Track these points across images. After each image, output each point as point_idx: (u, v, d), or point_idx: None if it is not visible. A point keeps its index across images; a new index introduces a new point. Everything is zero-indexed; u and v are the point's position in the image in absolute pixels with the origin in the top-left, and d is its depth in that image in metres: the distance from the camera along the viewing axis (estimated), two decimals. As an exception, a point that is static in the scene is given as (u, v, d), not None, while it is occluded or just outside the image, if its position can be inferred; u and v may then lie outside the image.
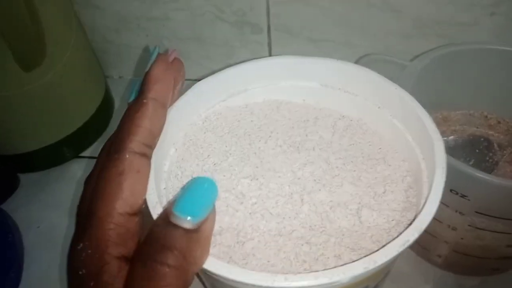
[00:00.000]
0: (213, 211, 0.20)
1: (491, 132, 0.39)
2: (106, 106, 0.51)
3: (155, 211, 0.23)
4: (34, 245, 0.42)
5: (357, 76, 0.30)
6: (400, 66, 0.33)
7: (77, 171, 0.48)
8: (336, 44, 0.48)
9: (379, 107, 0.30)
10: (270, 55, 0.50)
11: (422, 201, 0.25)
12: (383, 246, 0.23)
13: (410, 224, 0.24)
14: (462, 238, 0.31)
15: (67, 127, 0.47)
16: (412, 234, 0.21)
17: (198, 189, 0.20)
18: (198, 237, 0.19)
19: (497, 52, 0.34)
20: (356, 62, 0.46)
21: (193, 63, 0.53)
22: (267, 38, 0.49)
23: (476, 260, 0.33)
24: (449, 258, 0.34)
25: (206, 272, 0.21)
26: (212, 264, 0.20)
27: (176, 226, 0.18)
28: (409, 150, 0.28)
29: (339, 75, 0.30)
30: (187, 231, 0.19)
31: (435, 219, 0.23)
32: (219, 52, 0.51)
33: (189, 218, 0.19)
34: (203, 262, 0.20)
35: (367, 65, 0.35)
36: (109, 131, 0.51)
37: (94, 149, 0.50)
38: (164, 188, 0.27)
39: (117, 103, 0.54)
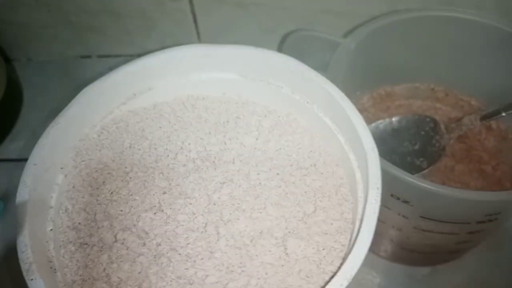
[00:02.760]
0: None
1: (438, 105, 0.35)
2: (12, 95, 0.44)
3: (30, 275, 0.18)
4: None
5: (280, 67, 0.25)
6: (333, 43, 0.28)
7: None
8: (270, 8, 0.42)
9: (307, 102, 0.25)
10: (195, 24, 0.44)
11: (357, 222, 0.21)
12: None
13: (344, 255, 0.20)
14: (408, 238, 0.28)
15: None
16: (340, 285, 0.17)
17: None
18: None
19: (441, 19, 0.30)
20: (284, 38, 0.41)
21: (110, 39, 0.46)
22: (189, 5, 0.42)
23: (425, 255, 0.30)
24: (397, 253, 0.31)
25: None
26: None
27: None
28: (343, 154, 0.24)
29: (260, 65, 0.25)
30: None
31: (378, 219, 0.20)
32: (137, 24, 0.44)
33: None
34: None
35: (296, 43, 0.30)
36: (20, 123, 0.44)
37: (4, 149, 0.43)
38: (51, 230, 0.22)
39: (27, 89, 0.47)
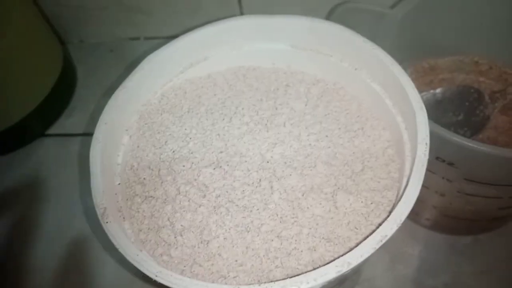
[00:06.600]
0: None
1: (482, 79, 0.35)
2: (67, 75, 0.47)
3: (105, 218, 0.21)
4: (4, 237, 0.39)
5: (329, 35, 0.26)
6: (379, 15, 0.29)
7: (44, 151, 0.45)
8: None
9: (356, 69, 0.26)
10: (239, 4, 0.45)
11: (404, 179, 0.22)
12: (361, 241, 0.20)
13: (391, 209, 0.22)
14: (451, 204, 0.29)
15: (28, 103, 0.43)
16: (390, 228, 0.19)
17: None
18: None
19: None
20: (330, 12, 0.42)
21: (158, 20, 0.48)
22: (234, -15, 0.44)
23: (467, 222, 0.31)
24: (439, 221, 0.32)
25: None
26: (165, 277, 0.18)
27: None
28: (390, 117, 0.25)
29: (310, 35, 0.27)
30: None
31: (422, 185, 0.20)
32: (183, 6, 0.46)
33: None
34: None
35: (343, 15, 0.31)
36: (75, 100, 0.47)
37: (60, 125, 0.46)
38: (119, 184, 0.24)
39: (80, 69, 0.50)
